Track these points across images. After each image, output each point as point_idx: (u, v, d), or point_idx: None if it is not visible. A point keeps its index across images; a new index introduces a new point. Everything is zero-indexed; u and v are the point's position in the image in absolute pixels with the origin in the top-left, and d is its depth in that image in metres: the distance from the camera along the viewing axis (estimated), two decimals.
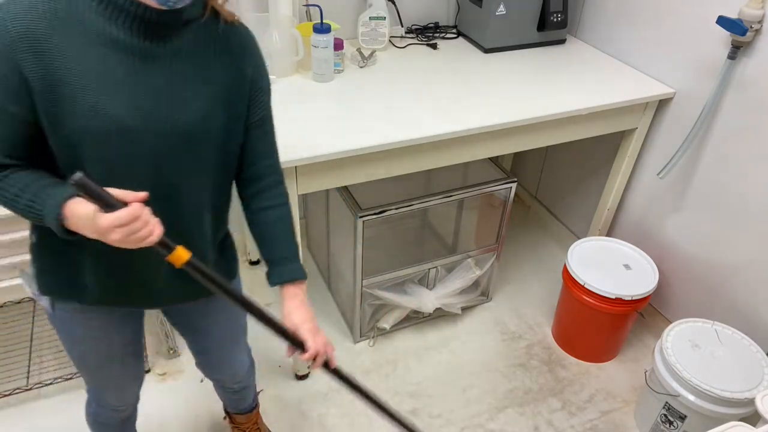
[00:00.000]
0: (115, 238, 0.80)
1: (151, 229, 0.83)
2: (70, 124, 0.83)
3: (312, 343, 1.05)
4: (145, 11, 0.82)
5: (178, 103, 0.89)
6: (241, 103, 0.99)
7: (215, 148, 0.97)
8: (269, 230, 1.12)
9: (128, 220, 0.80)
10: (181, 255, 0.87)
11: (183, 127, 0.90)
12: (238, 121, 1.00)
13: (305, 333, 1.06)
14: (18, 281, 1.50)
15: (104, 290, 1.03)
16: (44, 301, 1.06)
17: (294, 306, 1.09)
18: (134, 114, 0.86)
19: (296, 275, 1.10)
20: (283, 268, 1.10)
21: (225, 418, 1.66)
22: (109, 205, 0.79)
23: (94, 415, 1.34)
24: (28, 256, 1.43)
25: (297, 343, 1.05)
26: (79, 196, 0.82)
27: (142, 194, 0.82)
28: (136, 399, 1.36)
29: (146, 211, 0.82)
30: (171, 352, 1.96)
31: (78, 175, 0.76)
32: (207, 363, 1.40)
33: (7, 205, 0.87)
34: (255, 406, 1.62)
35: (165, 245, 0.86)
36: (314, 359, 1.05)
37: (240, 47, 0.96)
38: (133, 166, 0.89)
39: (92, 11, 0.81)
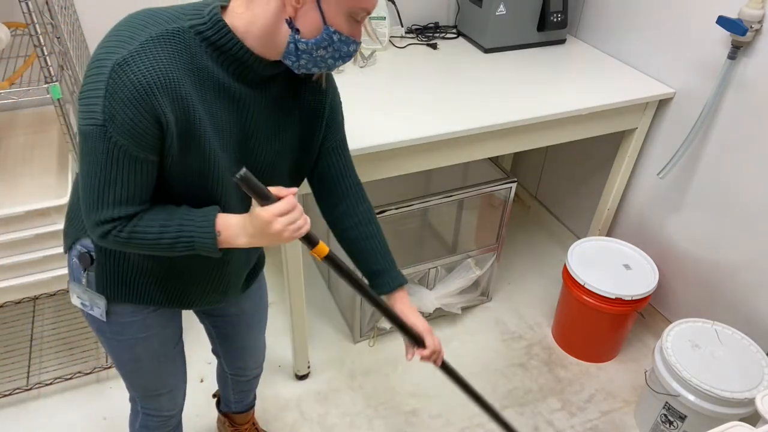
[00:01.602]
0: (277, 228, 0.86)
1: (305, 218, 0.90)
2: (191, 165, 0.88)
3: (431, 341, 1.16)
4: (255, 60, 0.88)
5: (262, 146, 0.97)
6: (316, 139, 1.07)
7: (285, 176, 1.06)
8: (366, 246, 1.18)
9: (288, 209, 0.86)
10: (323, 249, 0.96)
11: (260, 166, 0.99)
12: (311, 153, 1.09)
13: (423, 332, 1.16)
14: (18, 281, 1.50)
15: (170, 296, 1.08)
16: (97, 311, 1.06)
17: (407, 308, 1.16)
18: (231, 156, 0.93)
19: (402, 281, 1.18)
20: (388, 278, 1.17)
21: (224, 422, 1.66)
22: (267, 198, 0.85)
23: (143, 429, 1.32)
24: (26, 256, 1.42)
25: (418, 340, 1.14)
26: (240, 188, 0.85)
27: (294, 189, 0.89)
28: (184, 401, 1.36)
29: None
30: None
31: (243, 171, 0.81)
32: (234, 351, 1.41)
33: (151, 248, 0.90)
34: (254, 404, 1.63)
35: (310, 239, 0.93)
36: (431, 356, 1.16)
37: (319, 90, 1.03)
38: (214, 197, 0.95)
39: (208, 57, 0.85)
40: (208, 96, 0.87)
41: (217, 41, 0.85)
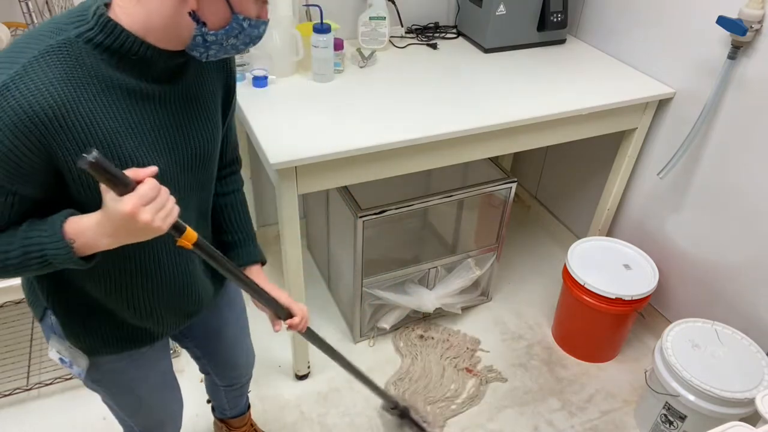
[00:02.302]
0: (145, 219, 0.74)
1: (172, 200, 0.79)
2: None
3: (298, 309, 1.14)
4: (159, 56, 0.81)
5: (194, 136, 0.92)
6: (227, 113, 1.05)
7: (216, 158, 1.02)
8: (232, 214, 1.15)
9: (153, 194, 0.74)
10: (192, 235, 0.85)
11: (200, 155, 0.94)
12: (223, 128, 1.04)
13: (289, 302, 1.13)
14: (18, 281, 1.50)
15: (155, 320, 1.04)
16: (76, 369, 1.02)
17: (266, 284, 1.12)
18: (164, 159, 0.88)
19: (258, 258, 1.17)
20: (250, 250, 1.16)
21: (221, 427, 1.65)
22: (125, 184, 0.73)
23: None
24: None
25: (284, 312, 1.12)
26: (91, 176, 0.73)
27: (153, 168, 0.77)
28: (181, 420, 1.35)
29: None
30: (171, 352, 1.96)
31: (94, 154, 0.67)
32: (224, 364, 1.39)
33: (3, 268, 0.80)
34: (249, 405, 1.63)
35: (178, 227, 0.83)
36: (301, 322, 1.15)
37: (224, 63, 0.98)
38: None
39: (105, 64, 0.78)
40: (120, 105, 0.80)
41: (111, 45, 0.77)
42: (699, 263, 1.91)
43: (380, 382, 1.93)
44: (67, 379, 1.84)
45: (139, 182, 0.74)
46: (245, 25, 0.83)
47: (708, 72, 1.72)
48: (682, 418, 1.64)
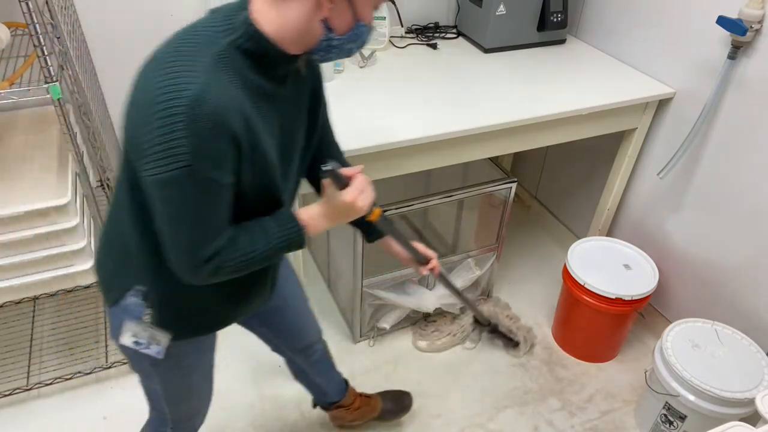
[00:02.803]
0: (360, 205, 0.98)
1: (371, 188, 1.01)
2: (259, 178, 0.90)
3: (432, 254, 1.34)
4: (285, 60, 0.89)
5: (297, 135, 1.02)
6: (323, 111, 1.13)
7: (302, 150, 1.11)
8: None
9: (363, 186, 0.98)
10: (377, 211, 1.09)
11: (298, 149, 1.04)
12: (318, 121, 1.12)
13: (423, 250, 1.33)
14: (18, 281, 1.50)
15: (230, 311, 1.10)
16: (154, 349, 1.05)
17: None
18: (278, 153, 0.96)
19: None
20: (374, 226, 1.26)
21: (337, 414, 1.69)
22: (346, 184, 0.97)
23: None
24: (26, 256, 1.42)
25: (425, 258, 1.33)
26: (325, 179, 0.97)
27: (359, 167, 1.00)
28: None
29: None
30: None
31: (332, 164, 0.94)
32: (291, 335, 1.42)
33: (256, 264, 0.93)
34: (345, 380, 1.68)
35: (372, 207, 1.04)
36: (437, 265, 1.35)
37: (316, 66, 1.06)
38: (276, 200, 0.99)
39: (248, 69, 0.85)
40: (260, 107, 0.88)
41: (255, 51, 0.85)
42: (699, 263, 1.91)
43: (379, 382, 1.93)
44: (67, 379, 1.84)
45: (350, 178, 0.97)
46: (363, 30, 0.91)
47: (708, 72, 1.72)
48: (682, 418, 1.64)
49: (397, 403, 1.78)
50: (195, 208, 0.83)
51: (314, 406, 1.71)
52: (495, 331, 2.03)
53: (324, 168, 0.93)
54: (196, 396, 1.23)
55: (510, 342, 2.04)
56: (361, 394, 1.72)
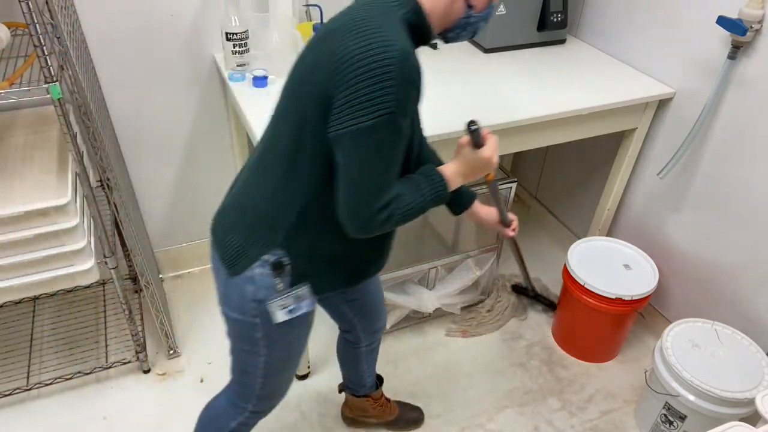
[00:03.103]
0: (496, 160, 1.07)
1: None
2: (413, 136, 1.02)
3: (514, 217, 1.39)
4: (432, 36, 1.02)
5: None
6: None
7: None
8: (433, 156, 1.30)
9: (496, 145, 1.07)
10: (492, 174, 1.21)
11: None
12: None
13: (511, 216, 1.39)
14: (18, 281, 1.50)
15: (353, 273, 1.16)
16: (305, 304, 1.11)
17: (487, 207, 1.37)
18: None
19: (474, 195, 1.34)
20: (464, 199, 1.32)
21: (363, 407, 1.72)
22: (482, 143, 1.06)
23: (243, 427, 1.31)
24: (26, 256, 1.43)
25: (510, 221, 1.38)
26: (470, 135, 1.05)
27: (488, 130, 1.07)
28: None
29: None
30: (171, 352, 1.96)
31: (476, 121, 1.04)
32: (371, 314, 1.48)
33: (413, 216, 1.00)
34: (380, 375, 1.74)
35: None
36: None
37: None
38: (411, 156, 1.08)
39: (410, 41, 0.97)
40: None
41: (417, 25, 0.96)
42: (699, 263, 1.91)
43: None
44: (67, 379, 1.84)
45: (485, 138, 1.06)
46: (493, 7, 1.02)
47: (708, 72, 1.72)
48: (682, 418, 1.64)
49: (411, 415, 1.80)
50: (384, 156, 0.92)
51: (340, 391, 1.74)
52: (536, 296, 2.22)
53: (473, 124, 1.02)
54: (292, 368, 1.25)
55: (550, 304, 2.20)
56: (384, 395, 1.75)
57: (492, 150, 1.07)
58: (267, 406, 1.30)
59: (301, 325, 1.15)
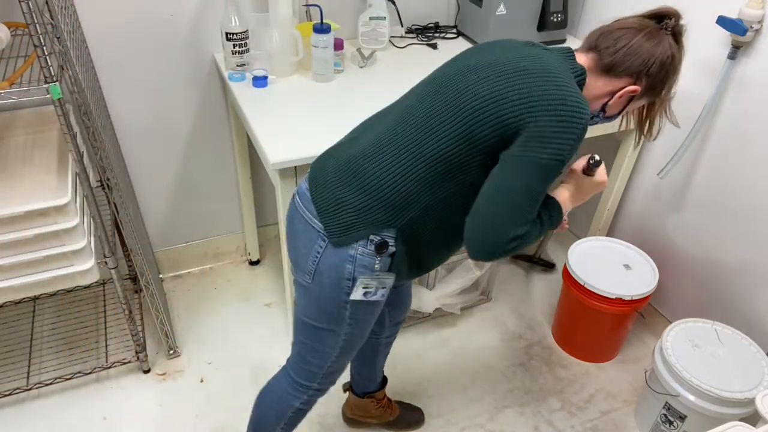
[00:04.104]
0: (602, 188, 1.18)
1: None
2: None
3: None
4: None
5: None
6: None
7: None
8: None
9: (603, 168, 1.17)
10: None
11: None
12: None
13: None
14: (18, 281, 1.50)
15: (438, 260, 1.20)
16: (381, 293, 1.13)
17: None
18: None
19: None
20: None
21: (366, 406, 1.73)
22: (593, 172, 1.15)
23: (306, 405, 1.33)
24: (26, 256, 1.43)
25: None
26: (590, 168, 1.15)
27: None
28: None
29: None
30: (171, 352, 1.96)
31: (599, 157, 1.14)
32: (401, 302, 1.52)
33: (532, 242, 1.05)
34: (385, 375, 1.76)
35: None
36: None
37: None
38: None
39: None
40: None
41: None
42: (699, 263, 1.90)
43: None
44: (67, 379, 1.84)
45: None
46: (612, 119, 1.19)
47: (708, 72, 1.72)
48: (682, 418, 1.64)
49: (412, 416, 1.80)
50: (537, 193, 0.99)
51: (345, 390, 1.76)
52: (536, 260, 2.33)
53: (596, 159, 1.13)
54: (357, 347, 1.26)
55: (548, 265, 2.33)
56: (386, 396, 1.75)
57: (604, 174, 1.17)
58: (330, 383, 1.32)
59: (379, 304, 1.18)
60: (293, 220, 1.15)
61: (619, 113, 1.15)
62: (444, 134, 1.02)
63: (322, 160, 1.16)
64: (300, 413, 1.34)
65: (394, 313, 1.53)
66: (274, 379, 1.35)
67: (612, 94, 1.09)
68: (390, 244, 1.07)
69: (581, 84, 1.07)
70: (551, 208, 1.09)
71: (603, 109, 1.12)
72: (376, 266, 1.08)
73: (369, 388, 1.70)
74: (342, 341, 1.20)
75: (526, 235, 1.01)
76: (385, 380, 1.73)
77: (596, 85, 1.08)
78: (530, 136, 0.96)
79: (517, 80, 0.98)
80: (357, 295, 1.10)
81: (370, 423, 1.78)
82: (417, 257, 1.14)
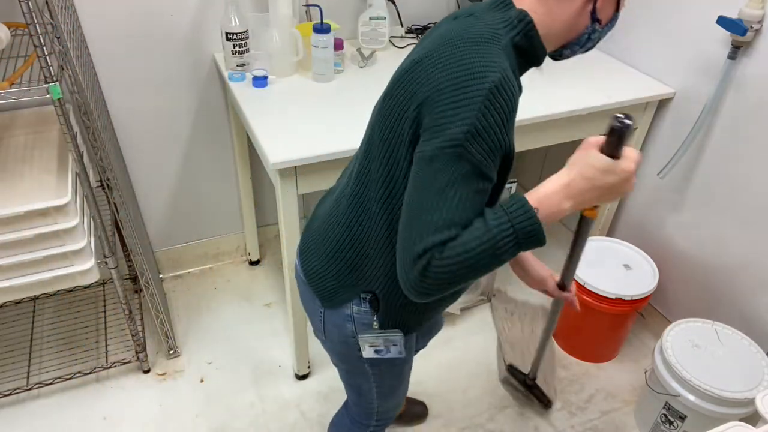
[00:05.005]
0: (633, 180, 0.81)
1: None
2: (499, 176, 0.86)
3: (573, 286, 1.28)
4: (543, 56, 0.88)
5: None
6: None
7: None
8: None
9: (639, 160, 0.81)
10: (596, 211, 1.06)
11: None
12: None
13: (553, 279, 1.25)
14: (18, 281, 1.50)
15: (440, 309, 1.08)
16: (395, 350, 1.06)
17: (536, 262, 1.22)
18: None
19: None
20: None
21: None
22: (619, 154, 0.79)
23: None
24: (26, 256, 1.42)
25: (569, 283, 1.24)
26: (611, 135, 0.81)
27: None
28: None
29: None
30: (171, 352, 1.96)
31: (631, 117, 0.77)
32: (438, 322, 1.42)
33: (473, 267, 0.76)
34: None
35: None
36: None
37: None
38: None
39: (517, 67, 0.85)
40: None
41: (528, 49, 0.84)
42: (699, 263, 1.91)
43: None
44: (67, 379, 1.84)
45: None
46: (616, 18, 0.89)
47: (708, 72, 1.72)
48: (682, 418, 1.64)
49: (416, 409, 1.82)
50: (437, 190, 0.75)
51: None
52: (530, 387, 1.86)
53: (625, 120, 0.78)
54: (404, 387, 1.24)
55: (544, 402, 1.84)
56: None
57: (634, 162, 0.80)
58: (390, 417, 1.31)
59: (402, 360, 1.13)
60: (299, 282, 1.14)
61: (617, 9, 0.88)
62: (373, 176, 0.90)
63: (312, 216, 1.12)
64: None
65: (424, 340, 1.45)
66: (339, 415, 1.36)
67: None
68: (378, 297, 1.00)
69: (529, 29, 0.83)
70: (507, 202, 0.78)
71: (593, 19, 0.86)
72: (375, 324, 1.02)
73: None
74: (375, 389, 1.18)
75: (449, 244, 0.74)
76: None
77: (557, 10, 0.84)
78: (425, 129, 0.78)
79: (409, 77, 0.83)
80: (368, 353, 1.06)
81: None
82: (415, 308, 1.02)
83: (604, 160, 0.79)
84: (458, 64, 0.77)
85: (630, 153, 0.80)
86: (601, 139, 0.83)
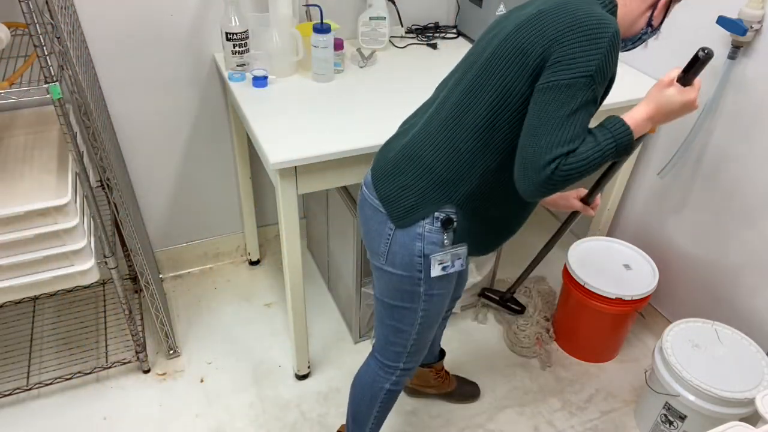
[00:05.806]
0: (697, 104, 1.05)
1: None
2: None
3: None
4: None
5: None
6: None
7: None
8: None
9: (700, 87, 1.06)
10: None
11: None
12: None
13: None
14: (18, 281, 1.50)
15: (506, 234, 1.22)
16: (458, 263, 1.18)
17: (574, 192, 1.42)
18: None
19: None
20: None
21: (426, 377, 1.81)
22: (691, 82, 1.03)
23: (396, 386, 1.39)
24: (26, 256, 1.42)
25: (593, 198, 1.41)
26: (691, 67, 1.02)
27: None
28: None
29: None
30: (171, 352, 1.96)
31: (710, 49, 1.00)
32: (463, 279, 1.57)
33: (592, 164, 0.98)
34: (443, 349, 1.84)
35: None
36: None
37: None
38: None
39: None
40: None
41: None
42: (699, 263, 1.91)
43: None
44: (67, 379, 1.84)
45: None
46: (658, 30, 1.11)
47: (708, 72, 1.72)
48: (682, 418, 1.64)
49: (468, 389, 1.89)
50: (569, 112, 0.95)
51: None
52: (505, 302, 2.11)
53: (706, 51, 0.99)
54: (440, 320, 1.31)
55: (517, 311, 2.11)
56: (444, 368, 1.83)
57: (697, 91, 1.05)
58: (415, 362, 1.37)
59: (452, 279, 1.23)
60: (363, 208, 1.23)
61: (664, 18, 1.10)
62: (481, 101, 1.05)
63: (382, 152, 1.23)
64: (391, 394, 1.40)
65: (458, 289, 1.57)
66: (365, 365, 1.42)
67: (654, 5, 1.06)
68: (454, 219, 1.12)
69: (613, 10, 1.05)
70: (608, 122, 1.01)
71: (649, 23, 1.08)
72: (445, 242, 1.13)
73: (428, 359, 1.77)
74: (420, 317, 1.25)
75: (572, 154, 0.96)
76: (442, 353, 1.80)
77: (633, 6, 1.06)
78: (554, 62, 0.96)
79: (534, 23, 1.00)
80: (436, 272, 1.16)
81: (429, 393, 1.86)
82: (491, 224, 1.16)
83: (677, 98, 1.03)
84: (584, 13, 0.96)
85: (696, 83, 1.04)
86: (673, 76, 1.04)
